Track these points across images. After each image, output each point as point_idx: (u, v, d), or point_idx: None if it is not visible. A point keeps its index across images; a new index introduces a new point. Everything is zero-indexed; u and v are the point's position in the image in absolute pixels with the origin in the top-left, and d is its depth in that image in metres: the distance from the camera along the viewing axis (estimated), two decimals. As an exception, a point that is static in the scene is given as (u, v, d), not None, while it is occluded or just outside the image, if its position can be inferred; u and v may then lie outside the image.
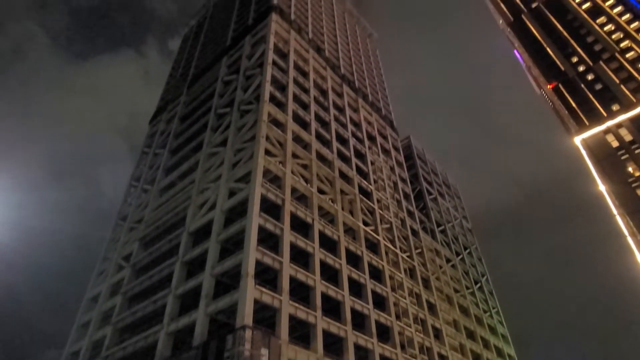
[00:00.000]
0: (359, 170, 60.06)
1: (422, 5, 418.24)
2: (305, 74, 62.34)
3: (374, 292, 45.59)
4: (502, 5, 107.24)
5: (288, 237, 38.33)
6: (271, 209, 39.92)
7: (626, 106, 68.06)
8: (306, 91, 59.27)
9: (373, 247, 51.97)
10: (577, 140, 69.37)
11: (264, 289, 32.75)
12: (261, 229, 36.69)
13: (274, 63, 56.19)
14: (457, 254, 78.92)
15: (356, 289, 43.93)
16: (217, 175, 45.95)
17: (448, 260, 73.20)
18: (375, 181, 62.01)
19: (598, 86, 75.17)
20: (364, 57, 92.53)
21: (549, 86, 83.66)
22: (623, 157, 63.94)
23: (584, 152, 68.05)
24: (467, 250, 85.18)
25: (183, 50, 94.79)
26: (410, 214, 68.14)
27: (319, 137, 55.46)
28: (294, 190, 44.06)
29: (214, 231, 39.03)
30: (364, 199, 55.69)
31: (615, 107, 69.80)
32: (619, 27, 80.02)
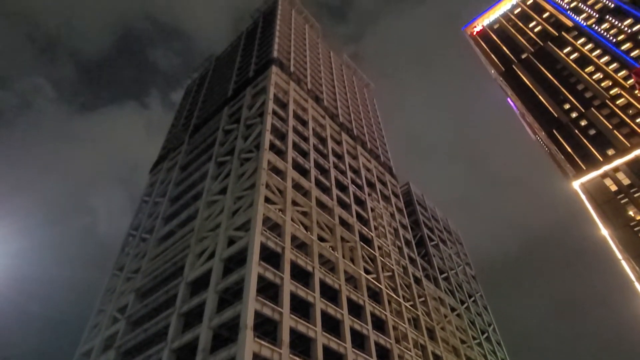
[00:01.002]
0: (359, 217, 59.78)
1: (417, 56, 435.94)
2: (304, 123, 63.69)
3: (377, 344, 43.86)
4: (493, 57, 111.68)
5: (288, 286, 37.44)
6: (271, 257, 39.29)
7: (621, 151, 68.99)
8: (305, 139, 60.26)
9: (375, 296, 50.65)
10: (576, 184, 69.66)
11: (263, 342, 31.51)
12: (261, 278, 35.91)
13: (274, 112, 57.54)
14: (462, 303, 76.82)
15: (359, 340, 42.32)
16: (217, 223, 45.64)
17: (453, 309, 71.12)
18: (375, 228, 61.54)
19: (592, 131, 76.59)
20: (361, 106, 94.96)
21: (543, 132, 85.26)
22: (623, 201, 63.95)
23: (583, 197, 68.12)
24: (472, 299, 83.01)
25: (185, 101, 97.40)
26: (412, 261, 67.05)
27: (318, 184, 55.69)
28: (294, 238, 43.60)
29: (213, 281, 38.17)
30: (365, 246, 55.01)
31: (610, 152, 70.73)
32: (607, 76, 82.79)
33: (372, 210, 64.51)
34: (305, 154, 57.70)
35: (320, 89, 79.23)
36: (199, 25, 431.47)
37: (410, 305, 56.21)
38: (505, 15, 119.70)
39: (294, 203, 47.77)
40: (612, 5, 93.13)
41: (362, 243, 54.53)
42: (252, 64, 74.96)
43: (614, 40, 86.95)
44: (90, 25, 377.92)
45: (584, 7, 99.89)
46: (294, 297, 37.55)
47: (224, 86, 79.86)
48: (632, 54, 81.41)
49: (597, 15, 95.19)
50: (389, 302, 51.53)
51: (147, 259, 53.11)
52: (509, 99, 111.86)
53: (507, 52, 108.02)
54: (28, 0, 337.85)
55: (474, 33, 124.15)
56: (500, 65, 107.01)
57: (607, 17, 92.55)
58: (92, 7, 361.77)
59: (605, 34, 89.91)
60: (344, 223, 54.86)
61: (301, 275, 41.12)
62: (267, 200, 43.85)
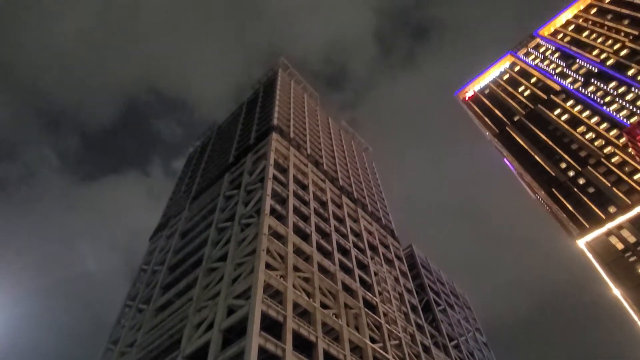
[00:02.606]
0: (363, 282, 58.15)
1: (414, 120, 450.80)
2: (304, 187, 64.17)
3: (387, 422, 40.65)
4: (487, 119, 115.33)
5: (290, 358, 35.44)
6: (272, 326, 37.63)
7: (623, 208, 68.81)
8: (306, 203, 60.35)
9: (383, 367, 47.77)
10: (581, 243, 68.70)
11: (264, 423, 29.21)
12: (261, 350, 34.07)
13: (275, 177, 58.18)
14: (475, 372, 72.42)
15: (367, 418, 39.28)
16: (216, 291, 44.25)
17: (465, 380, 66.85)
18: (380, 293, 59.63)
19: (591, 189, 76.93)
20: (360, 169, 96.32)
21: (543, 191, 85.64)
22: (631, 259, 62.68)
23: (590, 256, 66.89)
24: (485, 367, 78.40)
25: (187, 169, 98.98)
26: (420, 327, 64.18)
27: (320, 248, 54.85)
28: (295, 305, 42.04)
29: (211, 354, 36.19)
30: (370, 312, 52.90)
31: (612, 209, 70.52)
32: (599, 135, 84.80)
33: (376, 274, 62.93)
34: (306, 219, 57.46)
35: (319, 153, 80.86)
36: (201, 96, 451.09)
37: (421, 377, 52.88)
38: (494, 81, 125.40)
39: (296, 269, 46.70)
40: (596, 70, 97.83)
41: (366, 310, 52.50)
42: (253, 132, 77.16)
43: (602, 101, 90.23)
44: (97, 98, 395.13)
45: (569, 72, 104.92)
46: (296, 370, 35.43)
47: (225, 153, 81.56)
48: (620, 114, 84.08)
49: (582, 79, 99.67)
50: (398, 374, 48.53)
51: (143, 331, 50.85)
52: (505, 160, 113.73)
53: (500, 115, 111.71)
54: (37, 74, 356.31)
55: (466, 98, 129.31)
56: (494, 127, 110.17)
57: (593, 80, 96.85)
58: (98, 81, 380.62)
59: (592, 96, 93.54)
60: (347, 289, 53.24)
61: (304, 345, 39.09)
62: (268, 266, 42.90)
